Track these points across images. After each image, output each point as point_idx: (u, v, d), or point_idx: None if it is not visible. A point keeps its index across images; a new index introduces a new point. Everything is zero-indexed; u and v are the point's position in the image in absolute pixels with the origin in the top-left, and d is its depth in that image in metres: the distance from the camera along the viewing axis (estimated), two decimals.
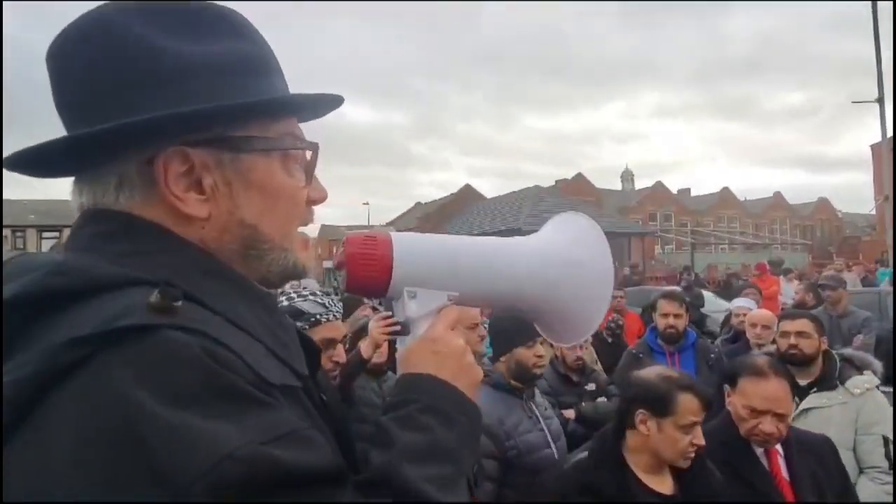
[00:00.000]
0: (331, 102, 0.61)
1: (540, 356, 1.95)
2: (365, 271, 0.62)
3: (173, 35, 0.51)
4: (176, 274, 0.47)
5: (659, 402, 1.48)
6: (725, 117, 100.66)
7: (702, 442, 1.47)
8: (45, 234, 30.33)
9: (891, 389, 2.41)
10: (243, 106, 0.52)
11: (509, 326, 1.91)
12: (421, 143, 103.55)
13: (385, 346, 2.08)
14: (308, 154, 0.58)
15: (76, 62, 0.51)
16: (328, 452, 0.46)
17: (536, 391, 2.16)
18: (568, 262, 0.71)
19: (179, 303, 0.44)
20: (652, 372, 1.62)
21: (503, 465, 1.81)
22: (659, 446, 1.47)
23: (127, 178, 0.51)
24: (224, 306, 0.49)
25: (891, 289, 7.41)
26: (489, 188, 36.49)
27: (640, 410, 1.49)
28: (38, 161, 0.54)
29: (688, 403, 1.47)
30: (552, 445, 1.96)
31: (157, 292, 0.43)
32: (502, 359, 1.95)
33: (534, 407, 2.02)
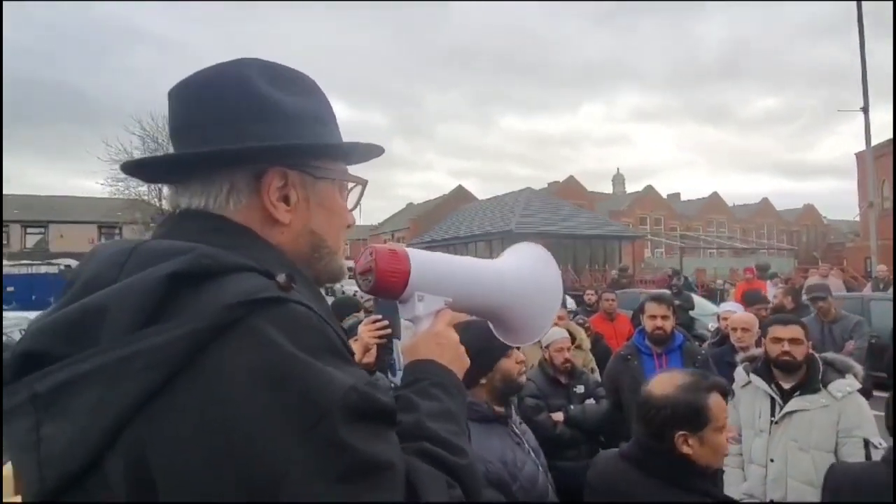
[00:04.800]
0: (374, 150, 0.78)
1: (521, 361, 1.82)
2: (390, 279, 0.77)
3: (279, 89, 0.68)
4: (265, 265, 0.59)
5: (695, 416, 1.37)
6: (703, 121, 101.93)
7: (733, 432, 1.42)
8: (30, 230, 29.84)
9: (885, 394, 2.46)
10: (329, 146, 0.71)
11: (482, 344, 1.50)
12: (402, 144, 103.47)
13: (374, 348, 2.08)
14: (351, 186, 0.76)
15: (211, 98, 0.67)
16: (389, 396, 0.61)
17: (512, 408, 1.93)
18: (528, 280, 0.90)
19: (294, 285, 0.58)
20: (667, 385, 1.46)
21: None
22: (703, 459, 1.38)
23: (237, 186, 0.66)
24: (303, 292, 0.61)
25: (874, 294, 7.55)
26: (474, 190, 36.58)
27: (680, 433, 1.38)
28: (151, 168, 0.73)
29: (717, 402, 1.39)
30: (539, 466, 1.80)
31: (284, 275, 0.57)
32: (483, 380, 1.73)
33: (515, 428, 1.84)
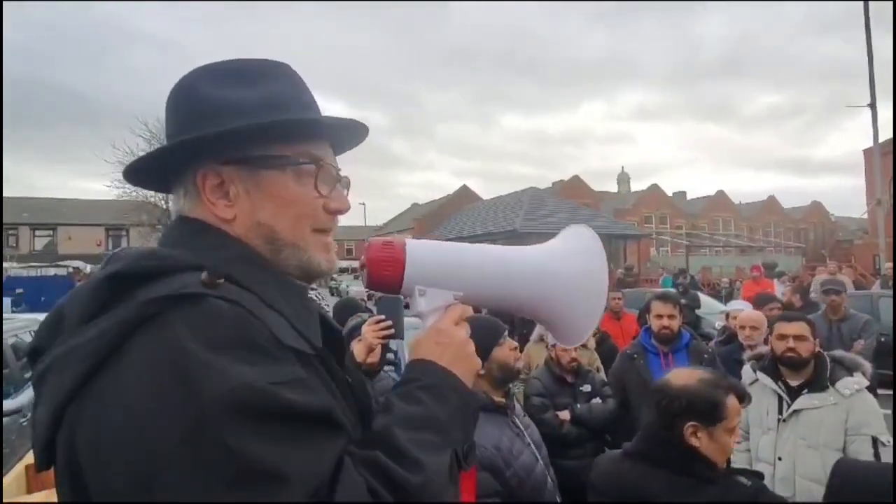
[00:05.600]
0: (360, 131, 0.75)
1: (514, 348, 1.86)
2: (383, 271, 0.73)
3: (223, 86, 0.68)
4: (228, 263, 0.62)
5: (710, 411, 1.39)
6: (706, 118, 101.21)
7: (739, 437, 1.44)
8: (38, 232, 30.11)
9: (890, 392, 2.43)
10: (247, 128, 0.65)
11: (475, 336, 1.60)
12: (402, 144, 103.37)
13: (378, 347, 2.09)
14: (315, 169, 0.70)
15: (167, 114, 0.71)
16: (323, 398, 0.57)
17: (514, 399, 2.01)
18: (562, 273, 0.78)
19: (221, 280, 0.58)
20: (687, 378, 1.48)
21: (507, 497, 1.66)
22: (709, 454, 1.39)
23: (187, 189, 0.68)
24: (258, 287, 0.62)
25: (883, 292, 7.49)
26: (478, 189, 36.21)
27: (690, 423, 1.39)
28: (144, 178, 0.75)
29: (734, 404, 1.42)
30: (538, 458, 1.83)
31: (205, 272, 0.58)
32: (482, 371, 1.78)
33: (516, 420, 1.88)
